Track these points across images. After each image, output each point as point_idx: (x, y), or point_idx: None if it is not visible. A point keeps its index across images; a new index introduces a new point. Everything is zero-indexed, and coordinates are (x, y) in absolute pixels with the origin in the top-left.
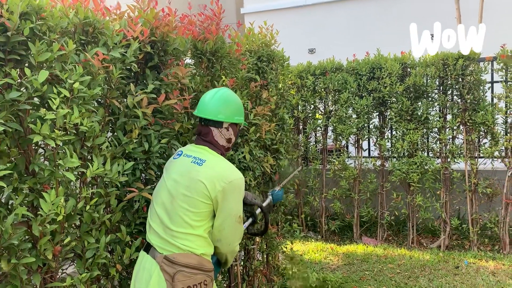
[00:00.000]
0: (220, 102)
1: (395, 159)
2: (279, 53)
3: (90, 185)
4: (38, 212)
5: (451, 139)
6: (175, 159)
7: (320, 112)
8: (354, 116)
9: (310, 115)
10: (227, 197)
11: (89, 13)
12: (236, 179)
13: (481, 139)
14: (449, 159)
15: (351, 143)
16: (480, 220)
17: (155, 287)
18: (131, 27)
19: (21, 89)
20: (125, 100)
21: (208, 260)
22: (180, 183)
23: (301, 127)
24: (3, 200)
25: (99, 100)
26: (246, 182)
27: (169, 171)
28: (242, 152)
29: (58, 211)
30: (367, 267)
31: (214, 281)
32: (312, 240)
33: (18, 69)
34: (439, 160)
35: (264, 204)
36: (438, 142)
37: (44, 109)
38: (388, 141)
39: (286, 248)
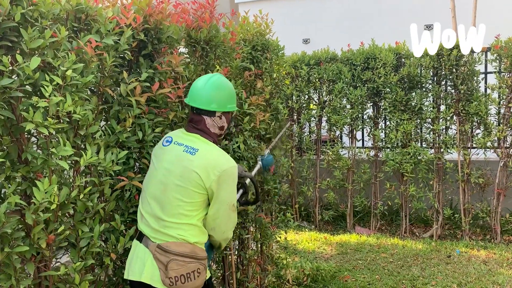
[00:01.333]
0: (212, 90)
1: (388, 149)
2: (273, 43)
3: (84, 174)
4: (32, 201)
5: (444, 130)
6: (165, 146)
7: (314, 103)
8: (348, 106)
9: (304, 105)
10: (222, 186)
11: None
12: (230, 167)
13: (474, 130)
14: (442, 150)
15: (345, 133)
16: (472, 210)
17: (148, 275)
18: (124, 14)
19: (13, 76)
20: (118, 88)
21: (202, 249)
22: (172, 172)
23: (295, 117)
24: None
25: (92, 88)
26: None
27: (159, 159)
28: (237, 142)
29: (52, 200)
30: (360, 257)
31: (207, 268)
32: (306, 230)
33: (10, 56)
34: (433, 150)
35: (253, 173)
36: (432, 132)
37: (37, 97)
38: (382, 132)
39: (280, 237)
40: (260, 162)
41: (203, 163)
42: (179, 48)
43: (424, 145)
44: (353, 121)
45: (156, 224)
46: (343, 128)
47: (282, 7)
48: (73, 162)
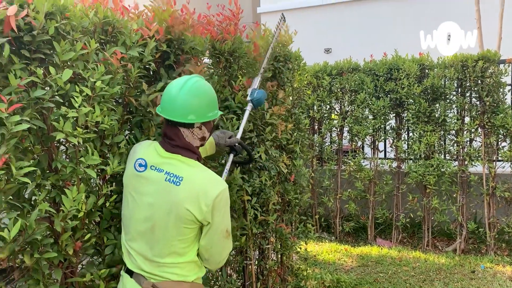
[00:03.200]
0: (188, 98)
1: (411, 161)
2: (295, 53)
3: (109, 182)
4: (60, 208)
5: (468, 142)
6: (141, 172)
7: (336, 113)
8: (371, 117)
9: (325, 115)
10: (215, 214)
11: (108, 12)
12: (221, 192)
13: (500, 142)
14: (466, 162)
15: (367, 144)
16: (498, 224)
17: None
18: (147, 26)
19: (45, 88)
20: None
21: (200, 284)
22: (158, 208)
23: (316, 127)
24: (26, 196)
25: (117, 98)
26: (261, 181)
27: (139, 191)
28: (258, 152)
29: (80, 208)
30: (381, 269)
31: None
32: (326, 241)
33: (43, 68)
34: (456, 162)
35: (240, 134)
36: (456, 144)
37: (66, 107)
38: (405, 143)
39: (300, 248)
40: (250, 104)
41: (192, 194)
42: (203, 59)
43: (447, 157)
44: (375, 132)
45: (147, 266)
46: (365, 139)
47: (304, 17)
48: (99, 170)
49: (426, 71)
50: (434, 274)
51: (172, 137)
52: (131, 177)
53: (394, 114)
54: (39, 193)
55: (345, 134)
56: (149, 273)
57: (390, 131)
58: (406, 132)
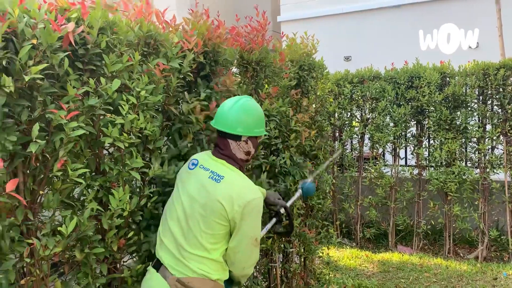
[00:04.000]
0: (239, 114)
1: (432, 168)
2: (319, 62)
3: (150, 184)
4: (108, 207)
5: (490, 150)
6: (191, 169)
7: (357, 120)
8: (392, 124)
9: (346, 122)
10: (245, 218)
11: (151, 26)
12: (255, 199)
13: None
14: (488, 170)
15: (388, 151)
16: None
17: None
18: (186, 39)
19: (96, 97)
20: (179, 106)
21: (222, 285)
22: (196, 200)
23: (337, 134)
24: (75, 196)
25: (158, 107)
26: (286, 186)
27: (185, 184)
28: (283, 158)
29: (124, 207)
30: (403, 275)
31: None
32: (347, 247)
33: (94, 79)
34: (478, 170)
35: (289, 203)
36: (477, 152)
37: (113, 114)
38: (426, 150)
39: (323, 253)
40: (300, 190)
41: (228, 192)
42: (232, 68)
43: (469, 165)
44: (396, 139)
45: (177, 253)
46: (386, 146)
47: (324, 26)
48: (141, 173)
49: (447, 79)
50: (456, 281)
51: (221, 146)
52: (183, 173)
53: (415, 122)
54: (88, 193)
55: (366, 141)
56: (175, 268)
57: (411, 138)
58: (427, 140)
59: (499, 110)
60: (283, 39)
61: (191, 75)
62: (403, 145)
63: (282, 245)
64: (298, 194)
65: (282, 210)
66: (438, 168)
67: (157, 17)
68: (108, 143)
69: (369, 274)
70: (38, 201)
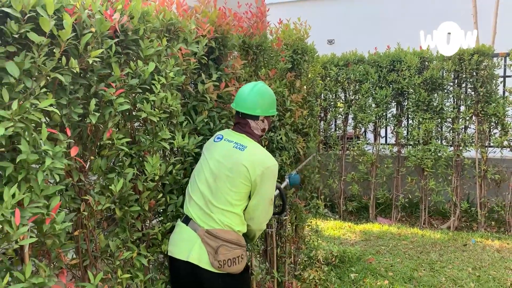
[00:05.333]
0: (257, 97)
1: (411, 146)
2: (310, 46)
3: (174, 154)
4: (144, 172)
5: (463, 129)
6: (217, 142)
7: (341, 101)
8: (374, 105)
9: (332, 103)
10: (264, 181)
11: (172, 15)
12: (273, 165)
13: (491, 129)
14: (461, 147)
15: (370, 130)
16: (488, 204)
17: (195, 257)
18: (200, 25)
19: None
20: (193, 86)
21: (243, 237)
22: (223, 165)
23: (322, 114)
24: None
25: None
26: (282, 160)
27: (211, 152)
28: (279, 134)
29: (156, 172)
30: (383, 243)
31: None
32: (331, 219)
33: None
34: (452, 148)
35: (282, 186)
36: (452, 131)
37: (147, 93)
38: (405, 129)
39: (311, 222)
40: (287, 180)
41: (251, 158)
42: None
43: (444, 143)
44: (377, 119)
45: (206, 208)
46: (368, 126)
47: (310, 9)
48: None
49: (426, 63)
50: (430, 247)
51: (241, 125)
52: (209, 145)
53: (395, 103)
54: (126, 159)
55: (350, 121)
56: (203, 220)
57: (391, 118)
58: (406, 120)
59: (472, 93)
60: (278, 25)
61: (205, 58)
62: (384, 124)
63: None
64: (285, 182)
65: (277, 192)
66: (416, 146)
67: (178, 7)
68: (143, 117)
69: (352, 242)
70: (88, 165)
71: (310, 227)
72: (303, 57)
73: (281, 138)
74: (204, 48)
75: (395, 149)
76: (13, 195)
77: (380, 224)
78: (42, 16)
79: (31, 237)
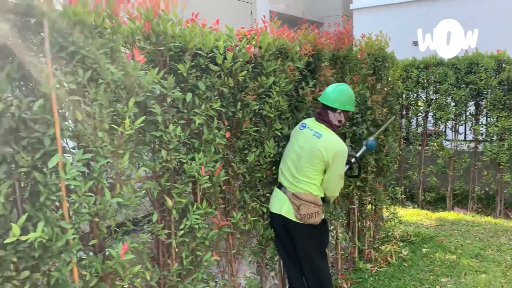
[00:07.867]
0: (337, 94)
1: (487, 142)
2: (390, 54)
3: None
4: (264, 151)
5: None
6: (301, 130)
7: (422, 100)
8: (452, 104)
9: (413, 102)
10: (335, 161)
11: (283, 41)
12: (342, 150)
13: None
14: None
15: (448, 127)
16: None
17: (285, 211)
18: (303, 47)
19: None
20: (295, 91)
21: (319, 199)
22: (304, 149)
23: (404, 112)
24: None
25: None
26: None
27: (297, 138)
28: (361, 128)
29: (272, 152)
30: (456, 228)
31: (323, 212)
32: (410, 207)
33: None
34: None
35: (358, 154)
36: None
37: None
38: (482, 127)
39: (388, 208)
40: (364, 146)
41: (325, 144)
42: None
43: None
44: (456, 117)
45: (292, 179)
46: (447, 123)
47: (396, 12)
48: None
49: (503, 65)
50: (502, 233)
51: (323, 114)
52: (295, 132)
53: (473, 102)
54: (251, 143)
55: (429, 118)
56: (290, 187)
57: (469, 116)
58: (483, 118)
59: None
60: (362, 38)
61: (305, 70)
62: (462, 122)
63: (359, 193)
64: (363, 149)
65: (353, 160)
66: (492, 142)
67: (288, 35)
68: (264, 114)
69: (427, 226)
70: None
71: (388, 210)
72: (383, 63)
73: (362, 132)
74: (304, 63)
75: (472, 144)
76: (199, 158)
77: (456, 212)
78: (216, 55)
79: (206, 183)
